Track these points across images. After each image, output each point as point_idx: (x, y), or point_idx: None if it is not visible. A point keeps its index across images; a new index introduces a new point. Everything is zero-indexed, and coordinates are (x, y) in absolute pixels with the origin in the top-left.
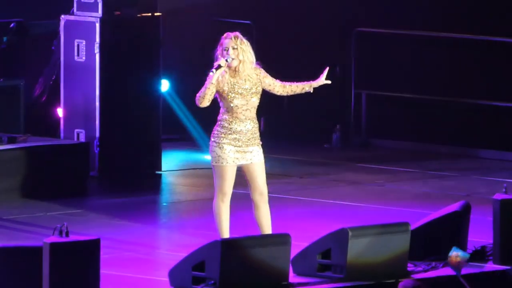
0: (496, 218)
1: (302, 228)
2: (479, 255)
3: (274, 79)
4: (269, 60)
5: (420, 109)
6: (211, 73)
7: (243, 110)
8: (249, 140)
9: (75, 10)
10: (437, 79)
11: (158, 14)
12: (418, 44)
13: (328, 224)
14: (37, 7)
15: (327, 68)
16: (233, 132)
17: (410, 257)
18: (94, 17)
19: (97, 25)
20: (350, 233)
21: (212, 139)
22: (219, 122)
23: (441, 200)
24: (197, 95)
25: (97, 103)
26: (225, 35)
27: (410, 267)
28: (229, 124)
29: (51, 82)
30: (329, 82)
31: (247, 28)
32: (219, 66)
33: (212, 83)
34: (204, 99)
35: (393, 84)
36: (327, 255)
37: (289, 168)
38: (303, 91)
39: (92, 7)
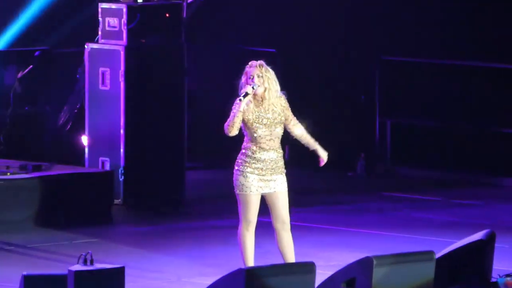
0: None
1: (327, 257)
2: None
3: (293, 116)
4: (293, 88)
5: (444, 138)
6: (238, 101)
7: (267, 140)
8: (273, 169)
9: (100, 38)
10: (462, 108)
11: (182, 42)
12: (442, 72)
13: (352, 252)
14: (62, 35)
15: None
16: (257, 161)
17: (435, 285)
18: (119, 45)
19: (122, 53)
20: (374, 262)
21: (236, 168)
22: (243, 151)
23: (466, 228)
24: (226, 124)
25: (122, 131)
26: (249, 64)
27: None
28: (253, 153)
29: (75, 110)
30: (325, 160)
31: (271, 56)
32: (246, 94)
33: (240, 111)
34: (233, 127)
35: (418, 113)
36: (351, 283)
37: (313, 196)
38: (305, 145)
39: (117, 35)
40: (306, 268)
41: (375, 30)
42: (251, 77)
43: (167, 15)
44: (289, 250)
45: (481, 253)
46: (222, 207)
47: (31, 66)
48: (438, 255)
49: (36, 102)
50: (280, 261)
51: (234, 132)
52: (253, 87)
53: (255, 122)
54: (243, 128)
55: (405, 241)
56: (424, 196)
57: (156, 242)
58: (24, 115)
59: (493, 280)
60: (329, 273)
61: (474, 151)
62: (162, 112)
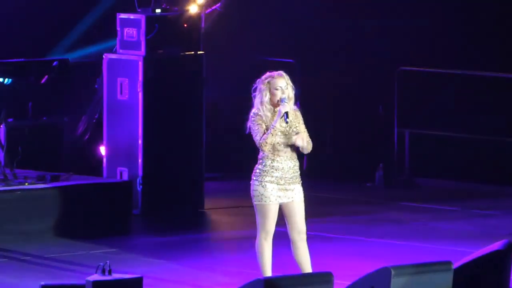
0: None
1: (345, 267)
2: None
3: (304, 129)
4: (311, 99)
5: (463, 148)
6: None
7: (285, 148)
8: (291, 178)
9: (118, 48)
10: (480, 118)
11: (201, 52)
12: (460, 83)
13: (370, 262)
14: (81, 46)
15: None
16: (276, 170)
17: None
18: (137, 55)
19: (140, 63)
20: (392, 272)
21: (254, 178)
22: (261, 161)
23: (484, 238)
24: (262, 141)
25: (140, 141)
26: (270, 74)
27: None
28: (272, 162)
29: (94, 120)
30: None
31: (289, 66)
32: (287, 114)
33: (275, 128)
34: (270, 144)
35: (436, 123)
36: None
37: (332, 207)
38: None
39: (135, 46)
40: (324, 279)
41: (394, 40)
42: (277, 88)
43: (185, 25)
44: (305, 260)
45: (499, 263)
46: (241, 217)
47: (46, 76)
48: (456, 265)
49: (54, 112)
50: (297, 271)
51: (269, 148)
52: (285, 102)
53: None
54: None
55: (423, 251)
56: (443, 206)
57: (174, 252)
58: (42, 125)
59: None
60: (347, 283)
61: (493, 161)
62: (181, 122)
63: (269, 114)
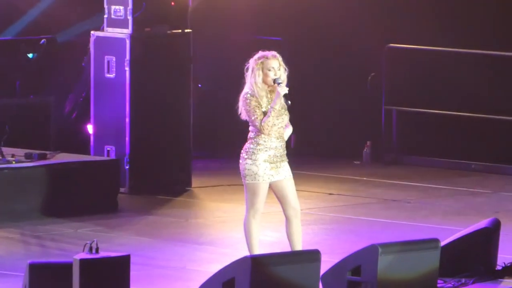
0: None
1: (332, 245)
2: (509, 271)
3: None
4: (299, 77)
5: (451, 126)
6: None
7: (278, 128)
8: (281, 156)
9: (105, 26)
10: (468, 96)
11: (188, 30)
12: (449, 60)
13: (358, 241)
14: (68, 24)
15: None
16: (269, 149)
17: (440, 273)
18: (124, 34)
19: (127, 41)
20: (380, 250)
21: (246, 157)
22: (253, 140)
23: (472, 217)
24: (264, 124)
25: (127, 120)
26: (264, 54)
27: (440, 283)
28: (265, 142)
29: (81, 99)
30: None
31: (277, 44)
32: (286, 95)
33: (275, 110)
34: (271, 127)
35: (424, 101)
36: (357, 272)
37: (319, 185)
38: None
39: (122, 24)
40: (311, 256)
41: (382, 18)
42: (269, 68)
43: (173, 3)
44: (297, 237)
45: (486, 241)
46: (228, 195)
47: (36, 54)
48: (443, 243)
49: (42, 91)
50: (285, 251)
51: (270, 130)
52: (280, 83)
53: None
54: None
55: (411, 229)
56: (430, 184)
57: (162, 231)
58: (29, 103)
59: (498, 268)
60: (334, 261)
61: (481, 140)
62: (168, 100)
63: (262, 94)
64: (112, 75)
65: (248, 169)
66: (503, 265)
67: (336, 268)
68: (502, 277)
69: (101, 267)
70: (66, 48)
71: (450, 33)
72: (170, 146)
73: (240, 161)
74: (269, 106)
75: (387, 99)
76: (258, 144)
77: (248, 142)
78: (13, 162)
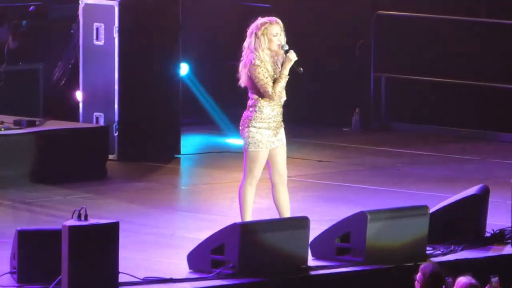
0: None
1: (321, 212)
2: (497, 238)
3: None
4: (288, 44)
5: (440, 93)
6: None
7: (280, 94)
8: (280, 122)
9: None
10: (457, 62)
11: None
12: (438, 27)
13: (347, 207)
14: None
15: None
16: (271, 116)
17: (429, 240)
18: (113, 1)
19: (116, 8)
20: (369, 217)
21: (250, 125)
22: (255, 108)
23: (461, 183)
24: (276, 90)
25: (116, 87)
26: (267, 20)
27: (429, 250)
28: (267, 109)
29: (70, 66)
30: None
31: (266, 12)
32: (296, 62)
33: (286, 76)
34: (280, 93)
35: (413, 68)
36: (346, 238)
37: (308, 152)
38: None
39: None
40: (300, 223)
41: None
42: (275, 34)
43: None
44: (284, 203)
45: (475, 208)
46: (217, 162)
47: (24, 21)
48: (432, 209)
49: (30, 58)
50: (275, 217)
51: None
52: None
53: (273, 78)
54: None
55: (400, 196)
56: (419, 151)
57: (151, 198)
58: (18, 71)
59: (487, 234)
60: (323, 228)
61: (470, 106)
62: (157, 68)
63: (268, 60)
64: (101, 43)
65: (252, 137)
66: (492, 232)
67: (325, 235)
68: (491, 244)
69: (90, 234)
70: (54, 15)
71: (440, 0)
72: (159, 113)
73: (242, 128)
74: (278, 72)
75: (376, 66)
76: (261, 112)
77: (250, 110)
78: (2, 129)
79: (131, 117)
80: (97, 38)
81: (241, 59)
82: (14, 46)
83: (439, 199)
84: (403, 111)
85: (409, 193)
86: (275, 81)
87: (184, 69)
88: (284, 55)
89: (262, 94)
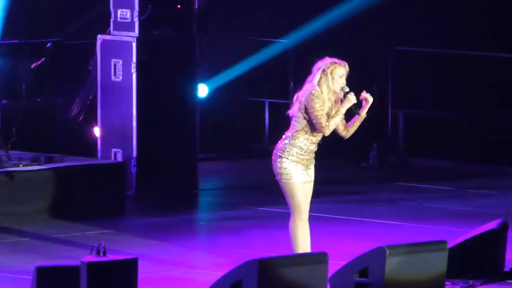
0: None
1: (339, 247)
2: None
3: None
4: (305, 80)
5: (457, 128)
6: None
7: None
8: (312, 158)
9: (111, 29)
10: (475, 98)
11: (194, 33)
12: (456, 62)
13: (365, 242)
14: (74, 27)
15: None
16: (305, 152)
17: (448, 275)
18: (131, 37)
19: (134, 44)
20: (387, 252)
21: (282, 155)
22: (291, 139)
23: (479, 218)
24: (330, 125)
25: (134, 123)
26: (336, 60)
27: (447, 285)
28: (302, 143)
29: (88, 102)
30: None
31: (283, 46)
32: (355, 105)
33: (343, 114)
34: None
35: (431, 103)
36: (364, 273)
37: (326, 187)
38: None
39: (129, 27)
40: (318, 258)
41: (389, 20)
42: (341, 75)
43: (179, 6)
44: (306, 238)
45: (494, 243)
46: (235, 198)
47: (43, 58)
48: (451, 244)
49: (48, 94)
50: (291, 251)
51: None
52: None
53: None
54: (302, 119)
55: (418, 231)
56: (437, 185)
57: (169, 233)
58: (36, 107)
59: (506, 269)
60: (341, 263)
61: (488, 141)
62: (174, 103)
63: (326, 98)
64: (118, 79)
65: (284, 168)
66: (511, 267)
67: (343, 270)
68: (510, 279)
69: (108, 270)
70: (72, 51)
71: (457, 35)
72: (176, 148)
73: (274, 158)
74: (335, 110)
75: (394, 101)
76: (296, 144)
77: (285, 141)
78: (21, 166)
79: (149, 153)
80: (114, 74)
81: (298, 90)
82: (32, 82)
83: (458, 234)
84: (421, 146)
85: (427, 228)
86: (330, 116)
87: (203, 90)
88: (343, 97)
89: (305, 128)
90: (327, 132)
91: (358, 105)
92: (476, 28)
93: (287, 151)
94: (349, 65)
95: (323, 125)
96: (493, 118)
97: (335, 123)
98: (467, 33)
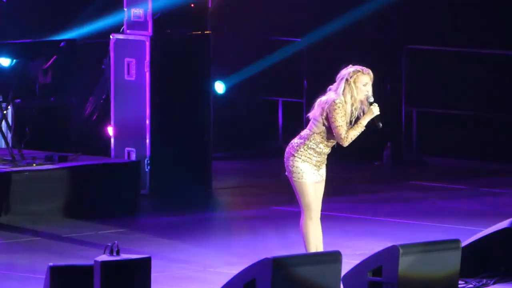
0: None
1: (353, 246)
2: None
3: None
4: (319, 79)
5: (471, 126)
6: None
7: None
8: (323, 161)
9: (125, 29)
10: (488, 96)
11: (208, 32)
12: (469, 61)
13: (378, 241)
14: (88, 26)
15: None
16: (319, 154)
17: (461, 274)
18: (144, 36)
19: (147, 43)
20: (401, 251)
21: (295, 154)
22: (306, 139)
23: (493, 217)
24: (349, 136)
25: (148, 122)
26: (359, 68)
27: (461, 284)
28: (317, 145)
29: (101, 101)
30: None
31: (295, 45)
32: (377, 117)
33: (363, 126)
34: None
35: (444, 101)
36: (378, 272)
37: (340, 186)
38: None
39: (142, 26)
40: (332, 257)
41: (402, 18)
42: (365, 84)
43: (192, 5)
44: (319, 238)
45: (507, 241)
46: (249, 197)
47: (55, 56)
48: (464, 243)
49: (62, 93)
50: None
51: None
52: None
53: (347, 124)
54: (321, 123)
55: (432, 229)
56: (451, 184)
57: (183, 232)
58: (50, 106)
59: None
60: (355, 262)
61: (502, 140)
62: (188, 101)
63: (349, 107)
64: (132, 78)
65: (296, 167)
66: None
67: (357, 269)
68: None
69: (122, 269)
70: (86, 50)
71: (470, 33)
72: (190, 147)
73: (287, 156)
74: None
75: (407, 100)
76: (310, 146)
77: (301, 140)
78: (34, 165)
79: (162, 152)
80: (128, 73)
81: (321, 96)
82: (45, 81)
83: (472, 233)
84: (434, 145)
85: (441, 227)
86: (351, 127)
87: (220, 88)
88: (367, 107)
89: (321, 132)
90: (346, 144)
91: (380, 117)
92: (489, 26)
93: (301, 151)
94: (362, 64)
95: (342, 136)
96: (507, 117)
97: (355, 135)
98: (480, 31)
